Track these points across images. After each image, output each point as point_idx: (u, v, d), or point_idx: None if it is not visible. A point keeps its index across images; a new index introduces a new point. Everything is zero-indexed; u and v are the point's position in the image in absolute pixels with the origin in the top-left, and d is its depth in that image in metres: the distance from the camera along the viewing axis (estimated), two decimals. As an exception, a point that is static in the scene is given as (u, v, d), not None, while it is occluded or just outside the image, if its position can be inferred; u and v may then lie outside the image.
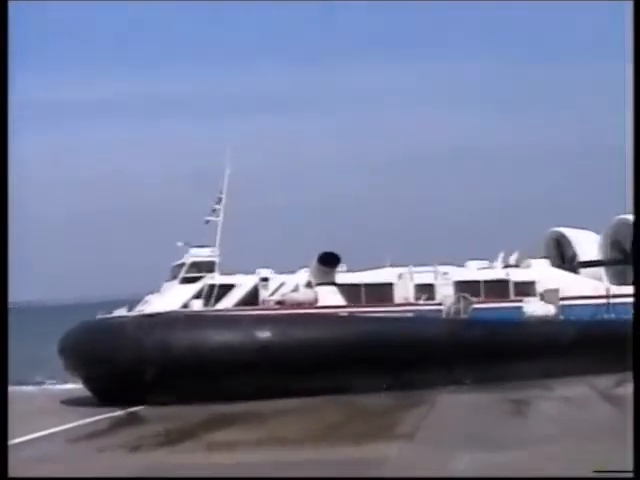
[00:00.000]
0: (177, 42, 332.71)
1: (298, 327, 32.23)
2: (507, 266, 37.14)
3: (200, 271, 34.03)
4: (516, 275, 36.31)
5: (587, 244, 38.33)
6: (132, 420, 28.18)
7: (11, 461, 17.00)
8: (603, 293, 35.77)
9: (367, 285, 34.95)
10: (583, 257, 38.20)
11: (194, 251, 34.36)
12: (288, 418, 27.33)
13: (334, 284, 34.41)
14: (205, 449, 22.22)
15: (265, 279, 34.35)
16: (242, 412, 27.93)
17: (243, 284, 34.10)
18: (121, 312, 33.38)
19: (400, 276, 35.43)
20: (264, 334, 31.62)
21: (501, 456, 18.74)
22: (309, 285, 34.44)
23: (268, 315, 32.88)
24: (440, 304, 34.76)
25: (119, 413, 28.86)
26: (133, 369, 30.51)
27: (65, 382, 37.23)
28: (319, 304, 33.93)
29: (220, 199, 35.15)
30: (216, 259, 34.30)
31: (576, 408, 27.00)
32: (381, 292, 35.20)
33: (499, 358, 32.42)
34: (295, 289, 34.22)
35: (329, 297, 34.20)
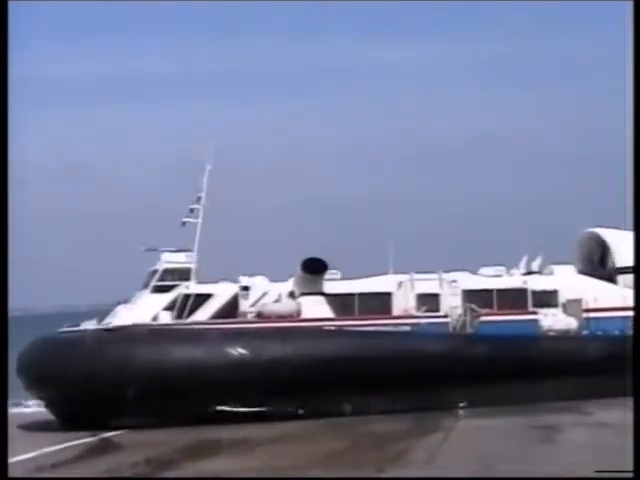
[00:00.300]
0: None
1: (274, 343, 28.96)
2: (529, 273, 33.56)
3: (174, 279, 30.92)
4: (535, 283, 32.49)
5: (627, 247, 32.54)
6: (106, 447, 25.29)
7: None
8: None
9: (361, 295, 31.47)
10: (621, 262, 33.07)
11: (167, 256, 31.12)
12: (281, 445, 24.40)
13: (321, 294, 31.06)
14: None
15: (246, 288, 30.95)
16: (228, 438, 25.19)
17: (221, 294, 30.83)
18: (88, 324, 29.96)
19: (400, 284, 31.84)
20: (234, 351, 28.48)
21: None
22: (292, 295, 31.00)
23: (241, 329, 29.82)
24: (446, 316, 31.15)
25: (92, 439, 25.96)
26: (85, 390, 27.70)
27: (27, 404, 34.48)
28: (302, 316, 30.71)
29: (199, 198, 31.92)
30: (192, 265, 31.11)
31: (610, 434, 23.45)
32: (377, 303, 31.65)
33: (505, 379, 29.11)
34: (277, 299, 30.84)
35: (314, 308, 30.89)
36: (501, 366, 29.34)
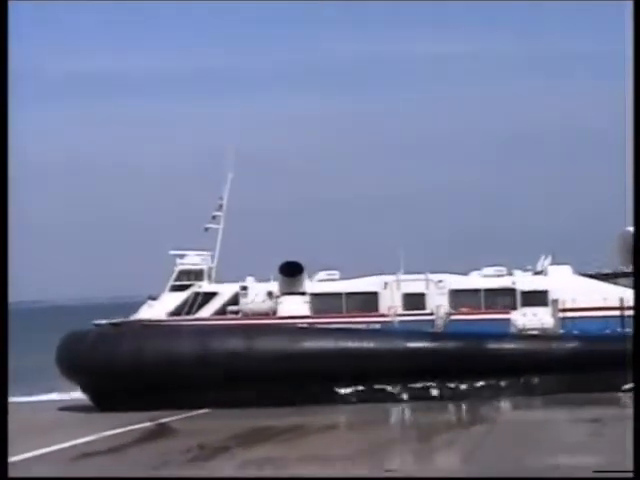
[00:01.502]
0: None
1: (236, 338, 31.48)
2: (536, 273, 34.23)
3: (189, 279, 33.66)
4: (525, 284, 33.55)
5: None
6: (162, 432, 26.55)
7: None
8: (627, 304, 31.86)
9: (349, 294, 33.45)
10: None
11: (186, 259, 34.04)
12: (332, 434, 25.59)
13: (302, 293, 33.27)
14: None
15: (244, 287, 33.39)
16: (281, 426, 26.17)
17: (223, 293, 33.35)
18: (114, 319, 33.56)
19: (386, 285, 33.52)
20: (197, 345, 31.21)
21: None
22: (270, 295, 33.14)
23: (208, 326, 32.52)
24: (431, 314, 32.75)
25: (149, 424, 27.29)
26: (102, 377, 31.30)
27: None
28: (278, 315, 32.88)
29: (221, 205, 34.39)
30: (205, 267, 33.80)
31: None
32: (364, 302, 33.52)
33: (460, 375, 30.91)
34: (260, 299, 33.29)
35: (291, 307, 32.98)
36: (455, 364, 30.77)
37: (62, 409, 33.63)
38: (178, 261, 33.81)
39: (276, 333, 31.97)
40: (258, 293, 33.23)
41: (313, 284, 33.53)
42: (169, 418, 28.14)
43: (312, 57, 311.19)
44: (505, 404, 30.09)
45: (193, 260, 33.94)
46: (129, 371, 30.96)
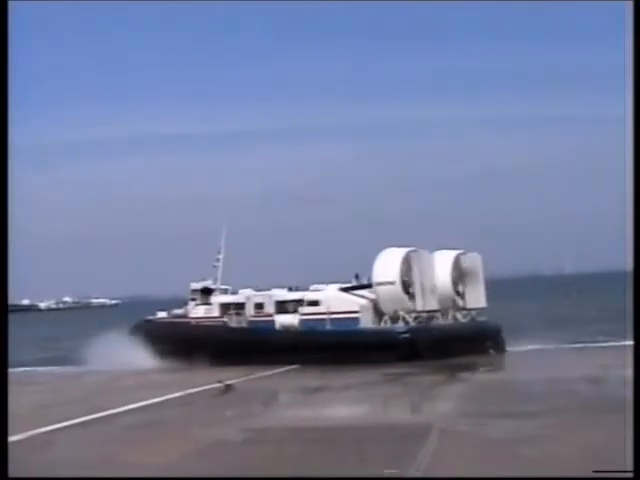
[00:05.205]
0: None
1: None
2: (364, 286, 52.33)
3: (205, 294, 56.00)
4: (309, 295, 52.36)
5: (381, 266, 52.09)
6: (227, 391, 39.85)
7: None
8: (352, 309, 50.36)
9: (234, 304, 54.46)
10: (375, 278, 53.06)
11: (200, 283, 57.15)
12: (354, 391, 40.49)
13: (209, 304, 55.48)
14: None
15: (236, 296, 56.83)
16: (308, 386, 41.04)
17: (216, 302, 56.61)
18: (160, 314, 57.93)
19: (248, 297, 54.39)
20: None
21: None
22: (260, 306, 54.17)
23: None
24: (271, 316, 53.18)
25: (218, 385, 40.35)
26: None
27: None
28: (192, 316, 55.95)
29: (218, 259, 57.08)
30: (213, 286, 56.49)
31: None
32: (238, 308, 54.15)
33: (249, 351, 50.82)
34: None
35: (201, 312, 55.79)
36: (244, 345, 51.44)
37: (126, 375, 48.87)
38: (192, 285, 56.67)
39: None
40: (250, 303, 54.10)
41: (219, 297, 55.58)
42: (235, 380, 41.85)
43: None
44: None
45: (205, 283, 56.51)
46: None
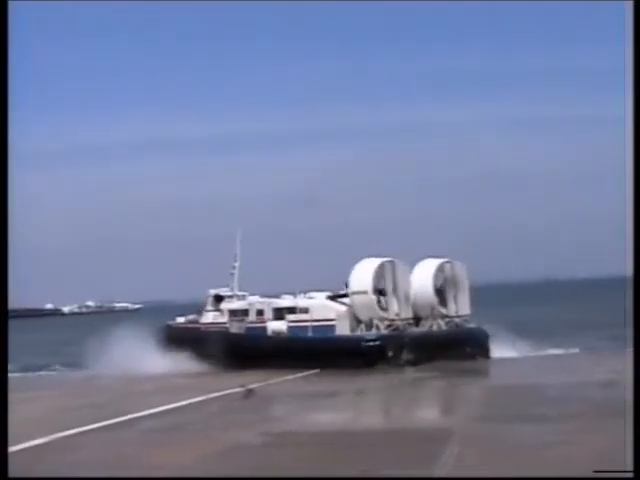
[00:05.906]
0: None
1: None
2: (341, 295, 54.07)
3: (217, 301, 57.82)
4: (302, 302, 53.80)
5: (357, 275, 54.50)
6: (248, 395, 39.72)
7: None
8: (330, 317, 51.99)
9: (241, 310, 56.38)
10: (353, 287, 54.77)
11: (218, 289, 58.82)
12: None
13: (219, 310, 57.21)
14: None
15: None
16: (329, 390, 41.74)
17: (227, 308, 58.04)
18: (180, 319, 59.83)
19: (250, 304, 55.98)
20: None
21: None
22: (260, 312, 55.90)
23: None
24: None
25: (240, 389, 40.59)
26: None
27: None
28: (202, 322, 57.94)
29: (234, 267, 58.92)
30: (228, 293, 58.21)
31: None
32: (242, 314, 56.05)
33: (243, 355, 52.24)
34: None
35: (210, 318, 57.73)
36: (242, 349, 52.79)
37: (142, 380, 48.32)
38: (213, 290, 58.46)
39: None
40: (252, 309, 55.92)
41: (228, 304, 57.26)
42: (255, 385, 42.21)
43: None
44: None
45: (222, 290, 58.15)
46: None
